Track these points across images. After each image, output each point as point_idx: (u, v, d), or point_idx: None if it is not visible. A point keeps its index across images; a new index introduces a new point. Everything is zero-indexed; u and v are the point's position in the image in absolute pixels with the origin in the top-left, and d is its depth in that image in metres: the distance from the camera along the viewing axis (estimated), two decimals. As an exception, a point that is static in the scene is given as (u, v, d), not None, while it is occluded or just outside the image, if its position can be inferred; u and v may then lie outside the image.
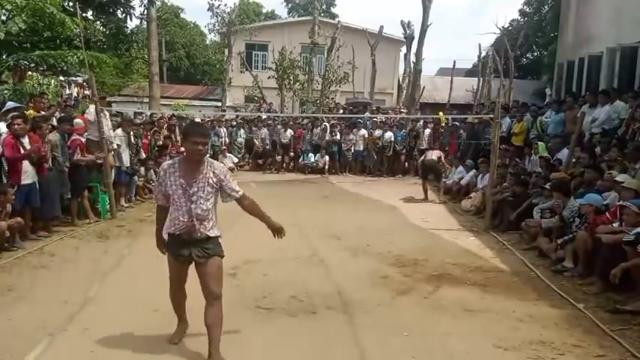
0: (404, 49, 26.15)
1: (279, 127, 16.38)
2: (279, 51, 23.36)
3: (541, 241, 6.51)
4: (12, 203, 6.21)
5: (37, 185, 6.75)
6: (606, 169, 6.94)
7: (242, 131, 17.14)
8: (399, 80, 27.57)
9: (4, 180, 6.48)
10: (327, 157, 15.52)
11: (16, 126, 6.50)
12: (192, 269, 3.53)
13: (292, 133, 16.07)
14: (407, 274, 5.59)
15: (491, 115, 9.05)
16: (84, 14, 15.46)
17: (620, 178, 6.02)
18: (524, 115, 11.43)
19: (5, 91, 10.42)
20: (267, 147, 16.42)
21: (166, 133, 12.71)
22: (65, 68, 13.44)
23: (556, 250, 6.05)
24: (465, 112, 18.35)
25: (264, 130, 16.60)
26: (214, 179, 3.36)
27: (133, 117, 12.88)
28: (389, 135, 15.31)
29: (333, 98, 23.31)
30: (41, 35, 13.28)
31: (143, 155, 10.39)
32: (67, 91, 16.78)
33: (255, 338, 3.89)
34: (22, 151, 6.51)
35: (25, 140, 6.61)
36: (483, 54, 24.97)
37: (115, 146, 8.89)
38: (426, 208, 10.03)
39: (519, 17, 29.04)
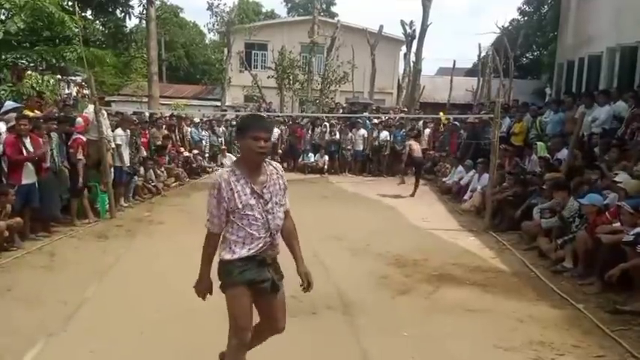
0: (404, 49, 26.22)
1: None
2: (278, 50, 23.33)
3: (541, 242, 6.51)
4: (12, 204, 6.20)
5: (37, 185, 6.74)
6: (606, 169, 6.93)
7: (242, 131, 17.03)
8: (398, 80, 27.57)
9: (4, 180, 6.47)
10: (326, 157, 15.50)
11: (21, 126, 6.50)
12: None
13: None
14: (407, 275, 5.59)
15: (491, 115, 9.04)
16: (83, 13, 15.43)
17: (619, 177, 6.02)
18: (524, 114, 11.40)
19: (2, 91, 10.38)
20: (267, 147, 16.33)
21: (166, 132, 12.70)
22: (63, 65, 13.38)
23: (556, 250, 6.05)
24: (464, 112, 18.30)
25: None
26: (282, 180, 2.80)
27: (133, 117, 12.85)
28: (384, 135, 15.30)
29: (332, 98, 23.29)
30: (40, 34, 13.22)
31: (144, 153, 10.37)
32: (67, 91, 16.74)
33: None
34: (24, 152, 6.50)
35: (27, 140, 6.60)
36: (483, 54, 24.93)
37: (114, 146, 8.88)
38: (425, 208, 10.03)
39: (519, 17, 29.05)
